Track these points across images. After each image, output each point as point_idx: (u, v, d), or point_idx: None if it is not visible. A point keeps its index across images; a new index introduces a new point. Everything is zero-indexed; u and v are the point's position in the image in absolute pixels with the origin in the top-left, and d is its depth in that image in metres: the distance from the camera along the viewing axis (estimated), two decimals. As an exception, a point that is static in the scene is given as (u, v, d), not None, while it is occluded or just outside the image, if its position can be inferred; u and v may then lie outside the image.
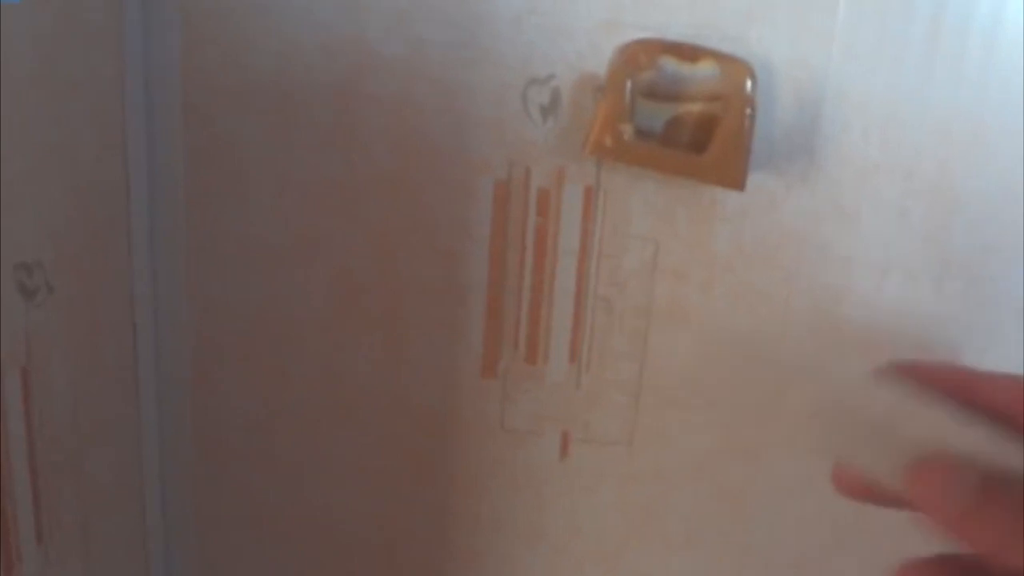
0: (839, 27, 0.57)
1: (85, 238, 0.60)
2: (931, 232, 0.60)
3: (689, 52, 0.55)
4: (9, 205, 0.53)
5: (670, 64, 0.55)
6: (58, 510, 0.60)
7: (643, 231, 0.62)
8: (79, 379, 0.60)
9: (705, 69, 0.55)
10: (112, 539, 0.66)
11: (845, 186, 0.60)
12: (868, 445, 0.39)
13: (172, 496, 0.71)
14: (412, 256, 0.64)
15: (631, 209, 0.62)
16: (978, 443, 0.37)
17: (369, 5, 0.59)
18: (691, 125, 0.57)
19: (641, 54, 0.55)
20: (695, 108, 0.57)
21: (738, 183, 0.55)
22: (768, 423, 0.65)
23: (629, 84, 0.54)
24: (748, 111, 0.54)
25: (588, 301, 0.64)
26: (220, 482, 0.71)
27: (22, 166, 0.54)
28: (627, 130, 0.55)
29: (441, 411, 0.68)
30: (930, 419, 0.38)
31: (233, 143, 0.63)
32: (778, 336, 0.63)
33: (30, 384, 0.56)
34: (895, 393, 0.39)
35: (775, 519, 0.68)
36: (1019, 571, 0.36)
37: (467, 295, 0.65)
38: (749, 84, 0.55)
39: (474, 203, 0.63)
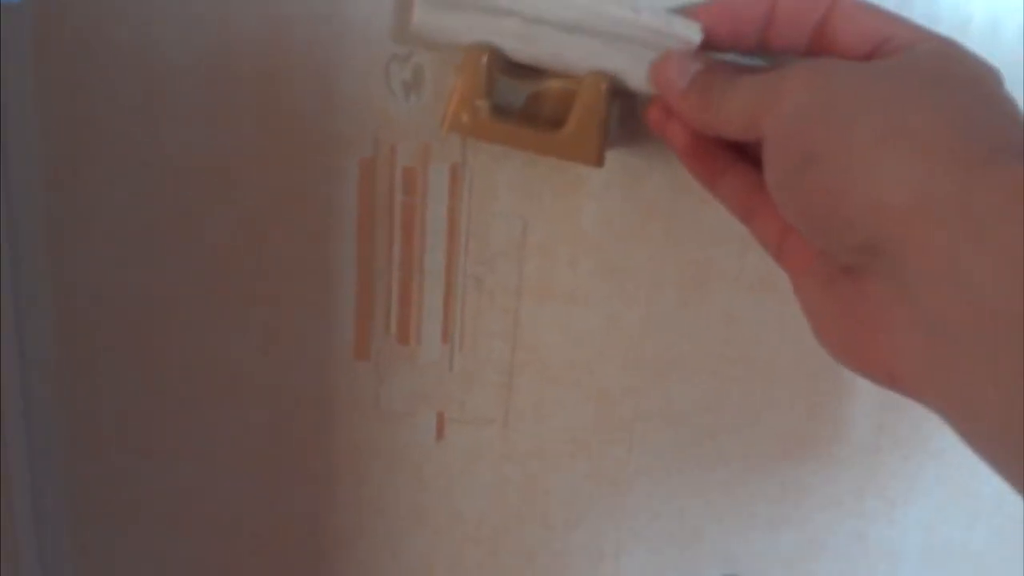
0: None
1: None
2: (791, 206, 0.61)
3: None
4: None
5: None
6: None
7: (510, 208, 0.62)
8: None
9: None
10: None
11: (707, 161, 0.60)
12: None
13: (41, 490, 0.69)
14: (280, 237, 0.63)
15: (498, 186, 0.62)
16: None
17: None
18: (551, 101, 0.57)
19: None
20: (555, 84, 0.57)
21: (595, 159, 0.55)
22: (643, 399, 0.66)
23: (485, 59, 0.54)
24: (603, 86, 0.54)
25: (458, 280, 0.64)
26: (91, 473, 0.69)
27: None
28: (484, 106, 0.55)
29: (315, 394, 0.67)
30: None
31: (93, 119, 0.61)
32: (644, 312, 0.64)
33: None
34: None
35: (652, 495, 0.69)
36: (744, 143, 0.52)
37: (337, 276, 0.64)
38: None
39: (340, 182, 0.62)
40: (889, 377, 0.45)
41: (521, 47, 0.55)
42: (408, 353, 0.66)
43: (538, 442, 0.67)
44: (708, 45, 0.53)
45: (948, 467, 0.68)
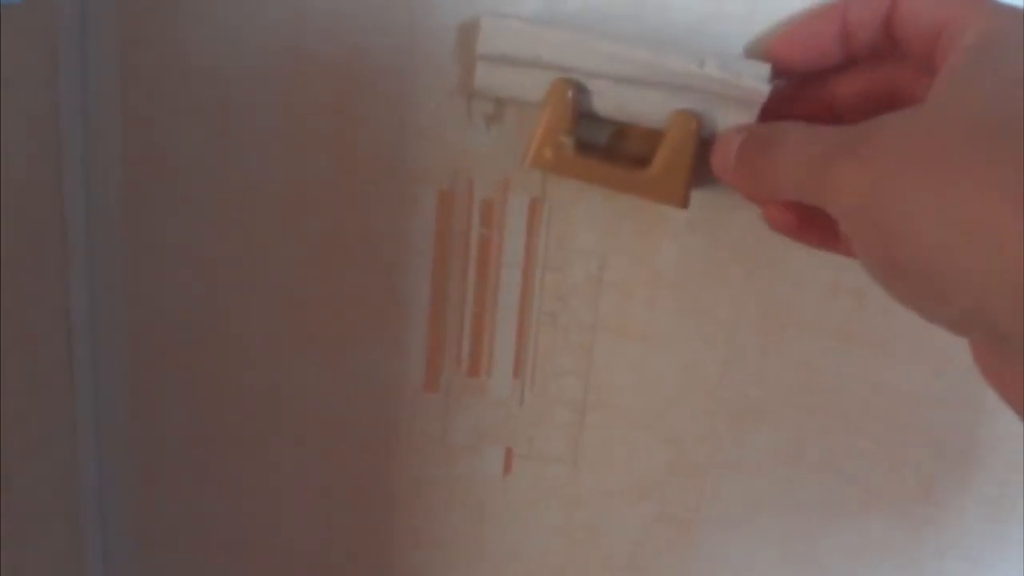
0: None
1: (18, 245, 0.58)
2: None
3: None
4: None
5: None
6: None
7: (589, 245, 0.61)
8: (14, 390, 0.59)
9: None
10: (48, 558, 0.64)
11: (794, 204, 0.58)
12: None
13: (110, 514, 0.69)
14: (353, 268, 0.63)
15: (577, 222, 0.60)
16: None
17: (308, 12, 0.58)
18: (636, 138, 0.56)
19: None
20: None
21: (681, 200, 0.54)
22: (717, 445, 0.64)
23: (571, 94, 0.53)
24: (693, 126, 0.52)
25: (532, 315, 0.63)
26: (159, 498, 0.69)
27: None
28: (568, 143, 0.53)
29: (382, 426, 0.66)
30: None
31: (171, 149, 0.61)
32: (723, 356, 0.62)
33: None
34: None
35: (722, 543, 0.67)
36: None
37: (409, 307, 0.63)
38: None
39: (416, 214, 0.61)
40: None
41: (585, 103, 0.54)
42: (478, 387, 0.65)
43: (606, 483, 0.66)
44: (791, 70, 0.52)
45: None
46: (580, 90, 0.53)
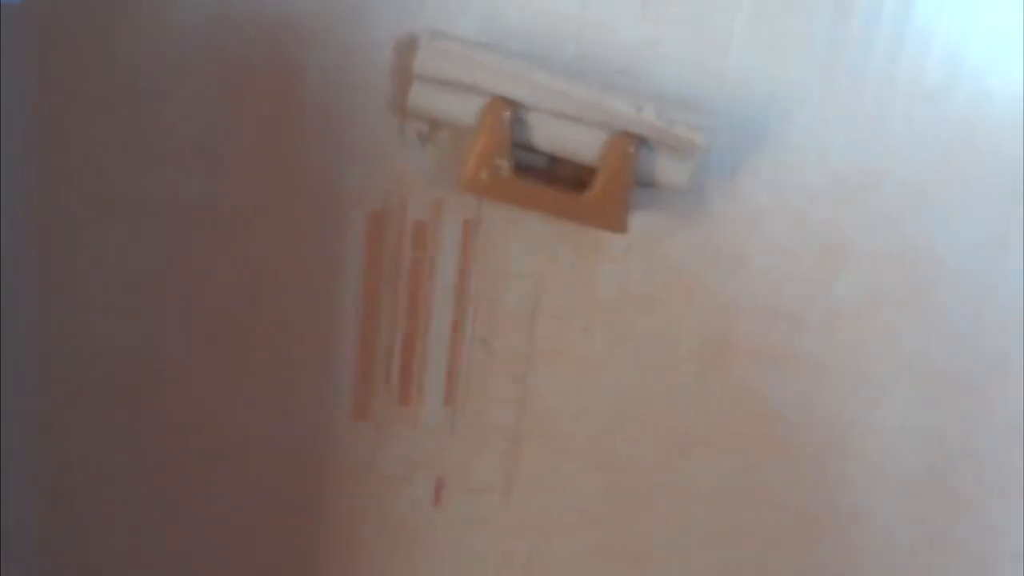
0: (731, 66, 0.54)
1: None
2: (821, 280, 0.58)
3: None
4: None
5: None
6: None
7: (525, 269, 0.59)
8: None
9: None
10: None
11: (734, 228, 0.57)
12: None
13: (25, 548, 0.65)
14: (280, 290, 0.60)
15: (512, 245, 0.58)
16: None
17: (239, 20, 0.55)
18: (574, 163, 0.54)
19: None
20: (579, 143, 0.54)
21: (620, 225, 0.52)
22: (656, 472, 0.62)
23: (508, 115, 0.51)
24: (630, 150, 0.51)
25: (465, 341, 0.60)
26: (79, 529, 0.65)
27: None
28: (504, 165, 0.51)
29: (312, 454, 0.63)
30: None
31: (89, 161, 0.58)
32: (661, 382, 0.60)
33: None
34: None
35: (666, 571, 0.65)
36: None
37: (339, 332, 0.61)
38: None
39: (346, 235, 0.59)
40: None
41: (520, 132, 0.52)
42: (409, 414, 0.62)
43: (542, 514, 0.64)
44: None
45: (971, 558, 0.65)
46: (517, 116, 0.51)
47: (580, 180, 0.53)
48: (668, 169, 0.52)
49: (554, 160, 0.55)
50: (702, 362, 0.60)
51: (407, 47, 0.54)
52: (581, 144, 0.52)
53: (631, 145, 0.51)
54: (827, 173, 0.56)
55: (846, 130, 0.55)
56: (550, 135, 0.52)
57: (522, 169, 0.54)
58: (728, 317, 0.59)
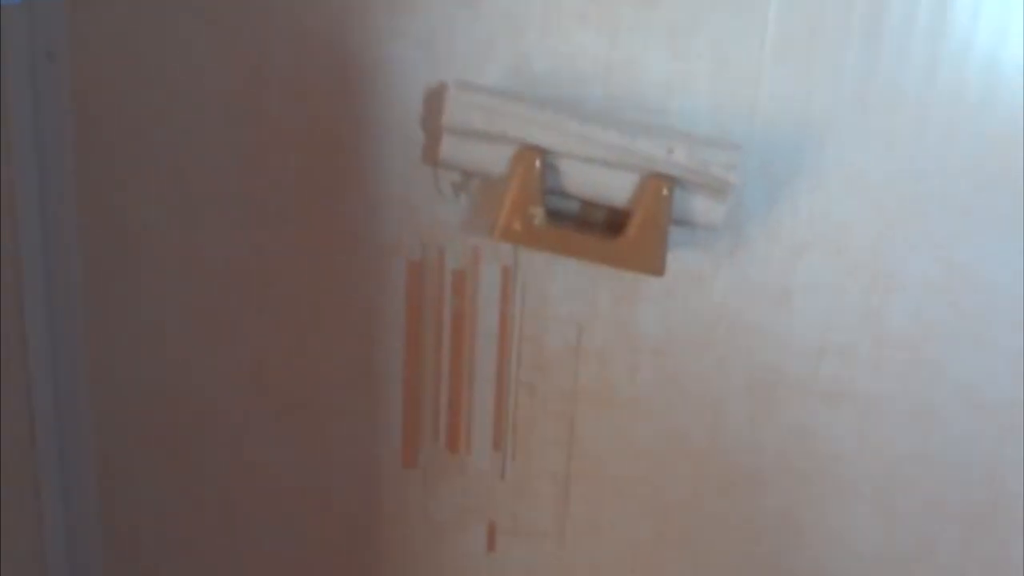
0: (761, 99, 0.54)
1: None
2: (868, 312, 0.57)
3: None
4: None
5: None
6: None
7: (565, 312, 0.59)
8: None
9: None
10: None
11: (775, 264, 0.56)
12: None
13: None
14: (325, 342, 0.61)
15: (551, 289, 0.58)
16: None
17: (270, 79, 0.56)
18: (608, 206, 0.54)
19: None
20: (612, 186, 0.54)
21: (657, 268, 0.52)
22: (708, 515, 0.62)
23: (538, 163, 0.51)
24: (664, 192, 0.51)
25: (510, 386, 0.60)
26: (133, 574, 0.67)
27: None
28: (537, 214, 0.52)
29: (362, 503, 0.64)
30: None
31: (132, 221, 0.60)
32: (710, 423, 0.60)
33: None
34: None
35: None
36: None
37: (384, 381, 0.61)
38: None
39: (387, 285, 0.59)
40: None
41: (552, 179, 0.52)
42: (458, 461, 0.62)
43: (594, 557, 0.63)
44: None
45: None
46: (548, 164, 0.52)
47: (616, 223, 0.53)
48: (704, 209, 0.52)
49: (589, 204, 0.55)
50: (751, 401, 0.59)
51: (436, 99, 0.54)
52: (614, 188, 0.52)
53: (664, 187, 0.51)
54: (866, 202, 0.55)
55: (883, 157, 0.54)
56: (582, 180, 0.52)
57: (556, 215, 0.54)
58: (775, 354, 0.58)
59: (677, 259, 0.57)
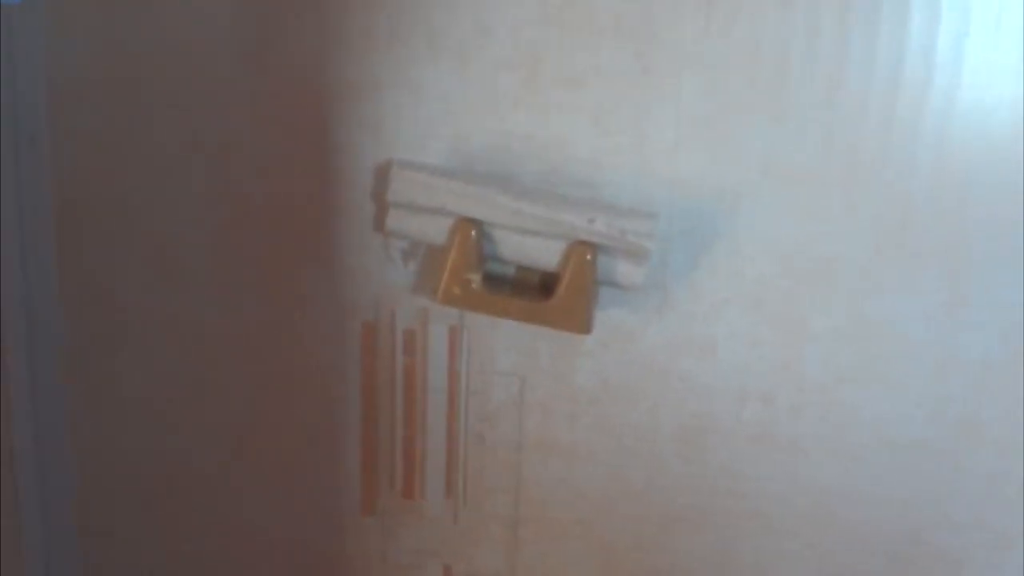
0: (680, 171, 0.59)
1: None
2: (785, 360, 0.62)
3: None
4: None
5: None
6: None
7: (508, 367, 0.63)
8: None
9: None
10: None
11: (700, 319, 0.61)
12: None
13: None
14: (289, 400, 0.65)
15: (495, 346, 0.63)
16: None
17: (236, 160, 0.61)
18: (541, 270, 0.59)
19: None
20: (545, 251, 0.59)
21: (583, 327, 0.57)
22: (648, 553, 0.66)
23: (474, 233, 0.56)
24: (588, 257, 0.56)
25: (460, 436, 0.65)
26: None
27: None
28: (475, 279, 0.57)
29: (325, 550, 0.68)
30: None
31: (110, 294, 0.64)
32: (647, 466, 0.64)
33: None
34: None
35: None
36: None
37: (343, 434, 0.66)
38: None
39: (345, 345, 0.64)
40: None
41: (488, 247, 0.57)
42: (413, 507, 0.67)
43: (545, 595, 0.67)
44: None
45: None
46: (483, 233, 0.57)
47: (549, 285, 0.58)
48: (625, 272, 0.57)
49: (524, 268, 0.60)
50: (683, 444, 0.64)
51: (383, 176, 0.59)
52: (543, 254, 0.57)
53: (588, 253, 0.56)
54: (779, 262, 0.60)
55: (792, 222, 0.59)
56: (514, 248, 0.57)
57: (495, 278, 0.59)
58: (702, 402, 0.63)
59: (610, 316, 0.62)
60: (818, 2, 0.55)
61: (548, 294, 0.58)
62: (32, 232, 0.63)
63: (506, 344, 0.63)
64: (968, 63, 0.55)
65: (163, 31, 0.59)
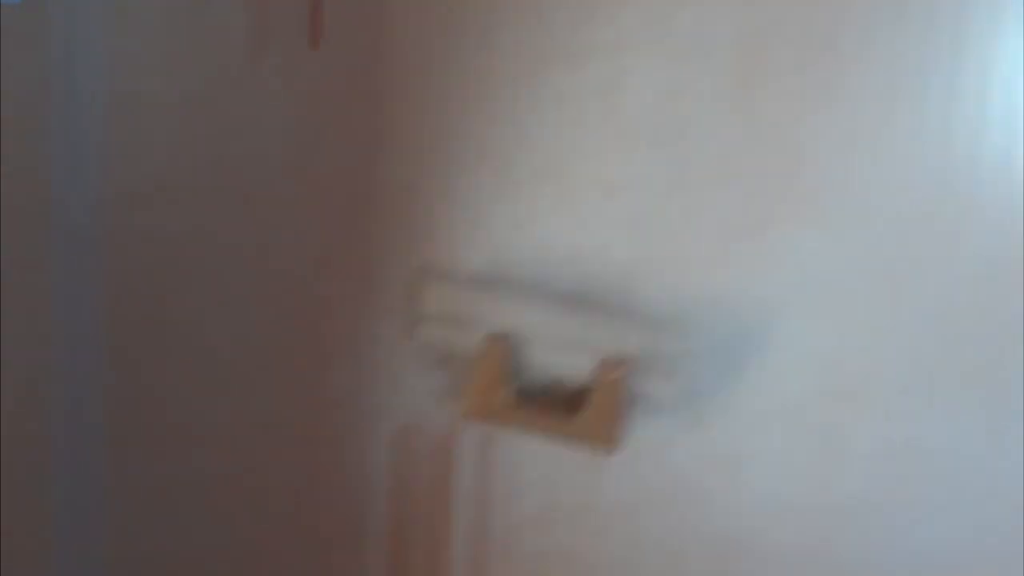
0: (718, 282, 0.58)
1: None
2: (819, 480, 0.60)
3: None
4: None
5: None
6: None
7: (537, 477, 0.63)
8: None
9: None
10: None
11: (731, 434, 0.60)
12: None
13: None
14: (318, 508, 0.66)
15: (525, 456, 0.63)
16: None
17: (275, 259, 0.62)
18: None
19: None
20: (576, 364, 0.58)
21: (611, 444, 0.56)
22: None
23: (504, 349, 0.56)
24: (620, 373, 0.55)
25: (487, 547, 0.64)
26: None
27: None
28: (503, 394, 0.56)
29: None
30: None
31: (153, 390, 0.65)
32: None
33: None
34: None
35: None
36: None
37: (370, 540, 0.65)
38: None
39: (374, 451, 0.64)
40: None
41: (519, 360, 0.57)
42: (441, 618, 0.66)
43: None
44: None
45: None
46: (515, 346, 0.57)
47: (580, 399, 0.58)
48: (657, 387, 0.56)
49: (556, 381, 0.59)
50: (715, 562, 0.62)
51: (417, 283, 0.60)
52: (575, 368, 0.56)
53: (619, 369, 0.56)
54: (818, 376, 0.59)
55: (829, 334, 0.58)
56: (546, 361, 0.57)
57: (523, 391, 0.58)
58: (735, 518, 0.61)
59: (642, 428, 0.61)
60: (858, 107, 0.54)
61: (578, 408, 0.57)
62: (82, 328, 0.65)
63: (536, 455, 0.63)
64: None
65: (213, 134, 0.61)
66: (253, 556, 0.66)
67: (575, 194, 0.59)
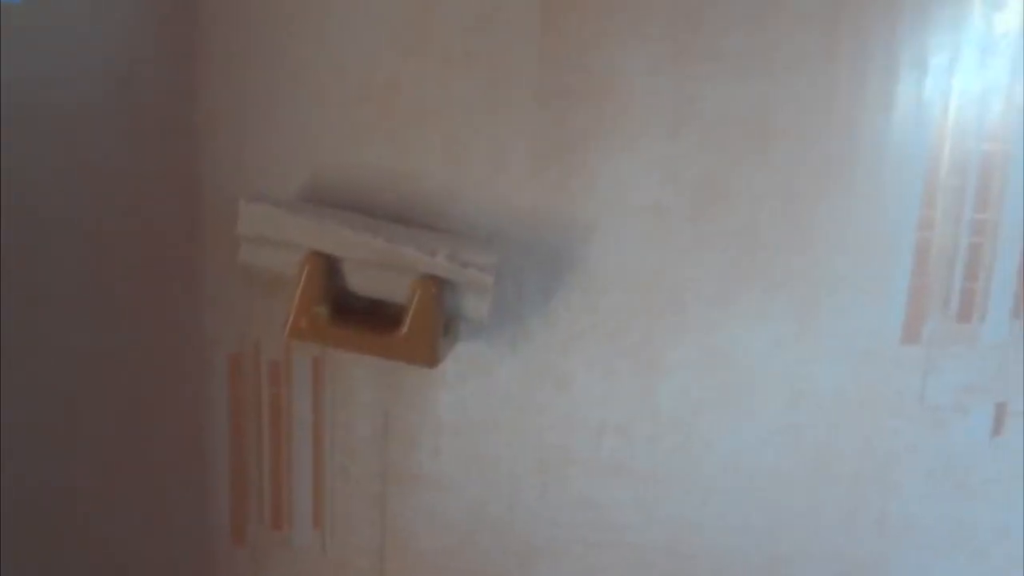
0: (534, 202, 0.60)
1: None
2: (641, 393, 0.62)
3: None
4: None
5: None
6: None
7: (371, 399, 0.64)
8: None
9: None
10: None
11: (556, 351, 0.62)
12: None
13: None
14: (160, 432, 0.66)
15: (358, 378, 0.64)
16: None
17: (112, 185, 0.62)
18: (393, 304, 0.59)
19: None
20: (397, 284, 0.59)
21: (431, 360, 0.57)
22: (515, 580, 0.66)
23: (322, 268, 0.57)
24: (432, 291, 0.56)
25: (326, 468, 0.65)
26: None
27: None
28: (322, 312, 0.57)
29: (198, 580, 0.68)
30: None
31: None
32: (508, 497, 0.65)
33: None
34: None
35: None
36: None
37: (212, 466, 0.66)
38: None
39: (212, 377, 0.65)
40: None
41: (338, 280, 0.58)
42: (282, 539, 0.67)
43: (413, 626, 0.68)
44: None
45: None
46: (333, 267, 0.57)
47: (400, 318, 0.59)
48: (470, 305, 0.58)
49: (378, 302, 0.60)
50: (543, 476, 0.64)
51: (240, 208, 0.60)
52: (391, 287, 0.58)
53: (433, 286, 0.57)
54: (634, 293, 0.61)
55: (643, 256, 0.60)
56: (363, 281, 0.58)
57: (347, 312, 0.59)
58: (562, 433, 0.63)
59: (468, 349, 0.62)
60: (666, 32, 0.56)
61: (399, 327, 0.58)
62: None
63: (368, 376, 0.64)
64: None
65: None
66: (96, 486, 0.67)
67: (393, 118, 0.59)
